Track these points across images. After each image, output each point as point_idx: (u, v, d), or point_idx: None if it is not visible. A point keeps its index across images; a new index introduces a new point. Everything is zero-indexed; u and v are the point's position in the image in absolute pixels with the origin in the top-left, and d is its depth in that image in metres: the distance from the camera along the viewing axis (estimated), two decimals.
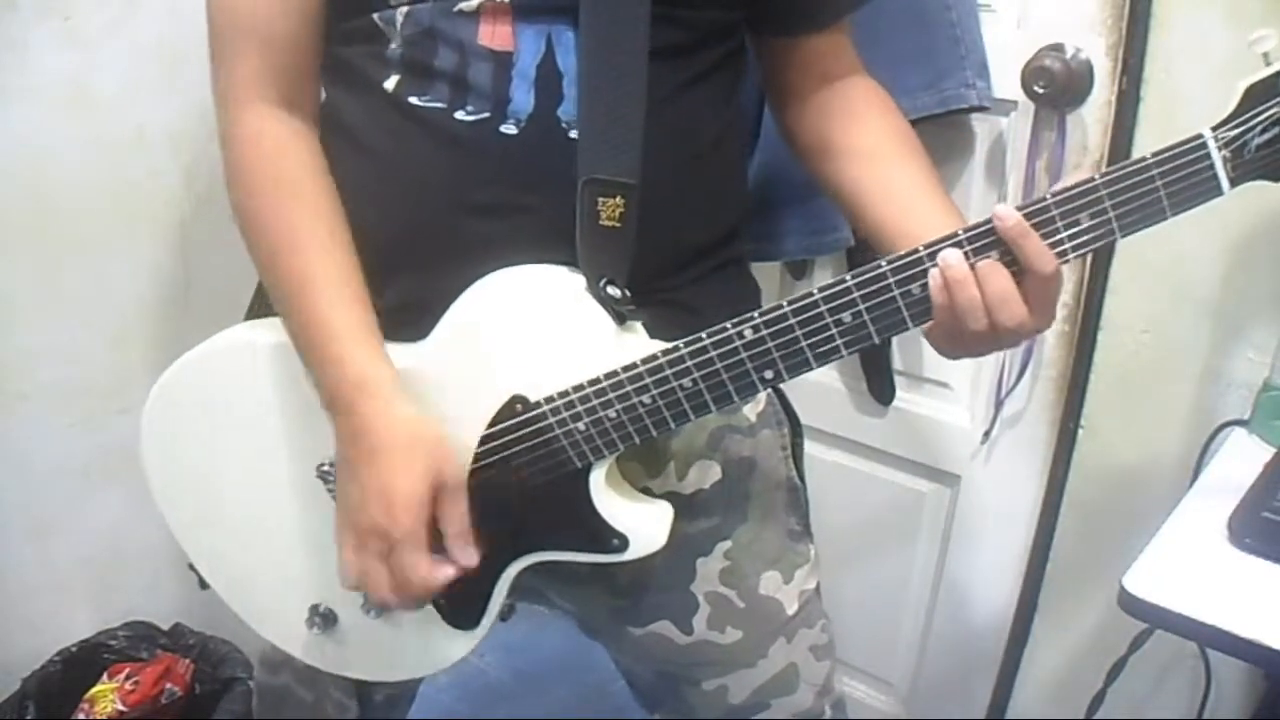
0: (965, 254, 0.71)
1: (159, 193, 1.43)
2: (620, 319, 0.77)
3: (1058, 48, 1.22)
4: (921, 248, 0.71)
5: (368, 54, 0.80)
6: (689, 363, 0.75)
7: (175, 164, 1.43)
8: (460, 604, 0.87)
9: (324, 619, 0.91)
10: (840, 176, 0.88)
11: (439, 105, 0.78)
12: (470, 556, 0.78)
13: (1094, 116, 1.23)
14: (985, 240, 0.71)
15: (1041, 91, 1.21)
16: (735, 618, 0.93)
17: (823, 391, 1.57)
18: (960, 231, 0.71)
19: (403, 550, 0.76)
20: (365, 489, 0.77)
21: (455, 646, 0.89)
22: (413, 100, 0.78)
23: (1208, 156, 0.66)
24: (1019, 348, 1.36)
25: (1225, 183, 0.67)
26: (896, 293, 0.72)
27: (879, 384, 1.52)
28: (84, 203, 1.37)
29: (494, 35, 0.77)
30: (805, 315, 0.73)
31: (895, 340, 1.49)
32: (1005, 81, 1.25)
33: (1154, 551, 0.92)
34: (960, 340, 0.74)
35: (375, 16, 0.78)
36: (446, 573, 0.78)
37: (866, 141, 0.87)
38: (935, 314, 0.72)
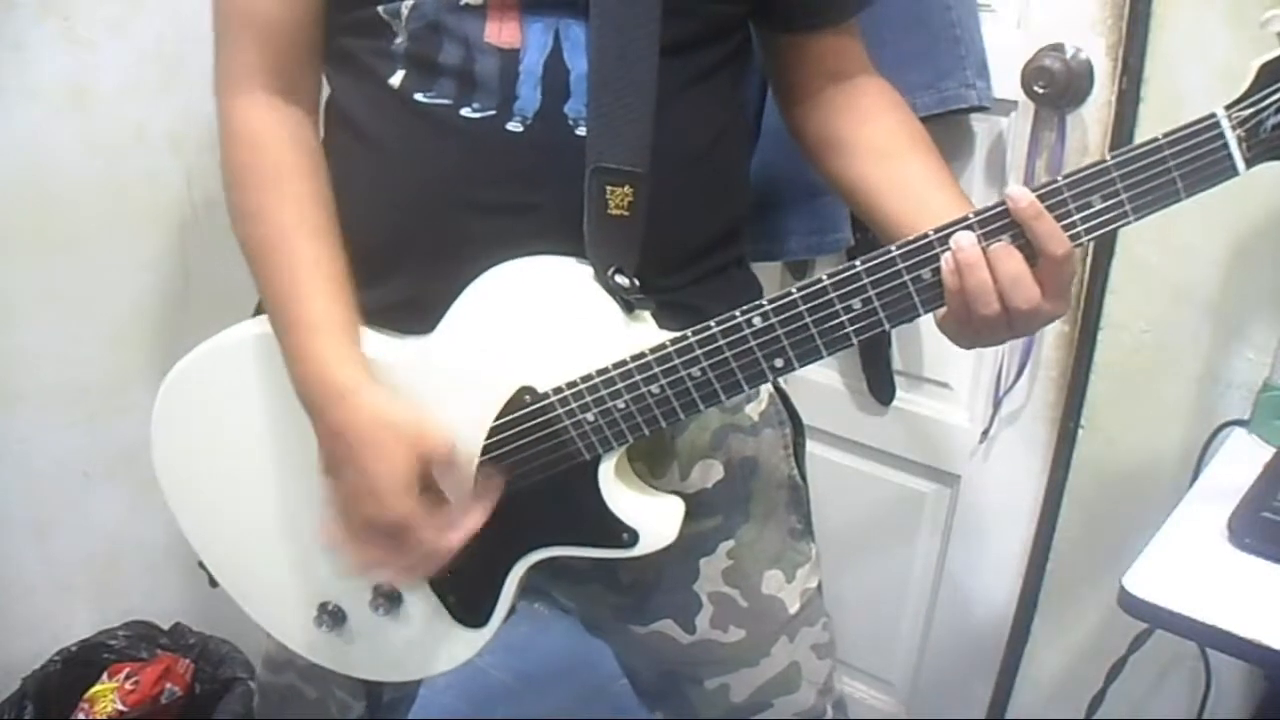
0: (977, 237, 0.70)
1: (159, 193, 1.43)
2: (629, 308, 0.77)
3: (1058, 48, 1.22)
4: (931, 232, 0.71)
5: (373, 48, 0.80)
6: (698, 351, 0.75)
7: (175, 164, 1.43)
8: (470, 601, 0.87)
9: (332, 617, 0.91)
10: (852, 173, 0.88)
11: (445, 102, 0.78)
12: (477, 518, 0.78)
13: (1094, 116, 1.23)
14: (997, 223, 0.70)
15: (1041, 91, 1.21)
16: (738, 617, 0.93)
17: (823, 391, 1.58)
18: (971, 215, 0.70)
19: (405, 533, 0.77)
20: (351, 486, 0.78)
21: (465, 645, 0.89)
22: (418, 97, 0.78)
23: (1221, 136, 0.65)
24: (1019, 347, 1.36)
25: (1240, 163, 0.66)
26: (907, 278, 0.72)
27: (879, 384, 1.52)
28: (84, 203, 1.37)
29: (500, 31, 0.76)
30: (815, 302, 0.73)
31: (895, 340, 1.49)
32: (1005, 81, 1.26)
33: (1154, 551, 0.92)
34: (972, 326, 0.73)
35: (380, 9, 0.78)
36: (456, 538, 0.78)
37: (878, 138, 0.87)
38: (947, 298, 0.72)
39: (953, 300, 0.72)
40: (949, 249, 0.71)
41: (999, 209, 0.70)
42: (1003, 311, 0.71)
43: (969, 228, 0.70)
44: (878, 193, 0.85)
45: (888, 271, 0.72)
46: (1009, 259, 0.70)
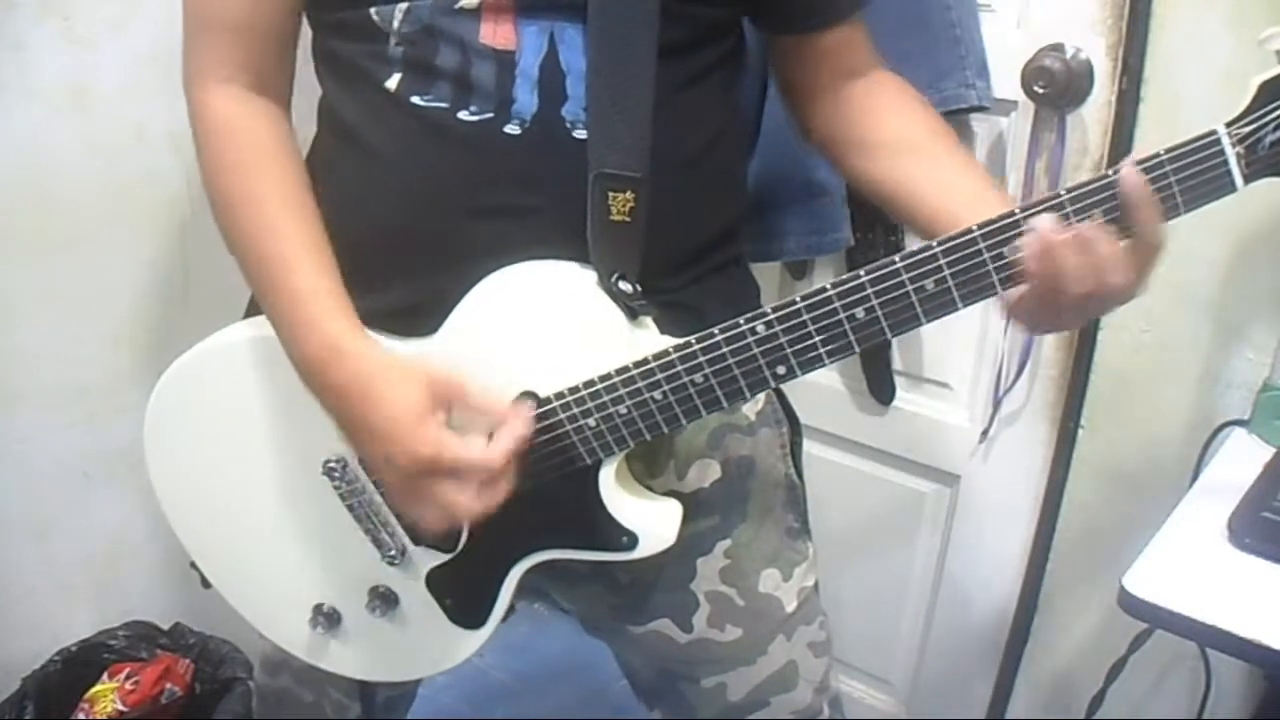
0: (1056, 220, 0.68)
1: (159, 193, 1.43)
2: (632, 314, 0.77)
3: (1058, 48, 1.22)
4: (975, 227, 0.69)
5: (368, 52, 0.79)
6: (701, 358, 0.75)
7: (175, 164, 1.43)
8: (467, 603, 0.87)
9: (328, 618, 0.91)
10: (879, 171, 0.86)
11: (442, 105, 0.78)
12: (520, 415, 0.76)
13: (1094, 116, 1.23)
14: (1090, 201, 0.68)
15: (1041, 91, 1.21)
16: (735, 616, 0.93)
17: (823, 391, 1.58)
18: (1063, 192, 0.69)
19: (444, 465, 0.74)
20: (376, 441, 0.76)
21: (461, 646, 0.89)
22: (415, 100, 0.78)
23: (1221, 153, 0.66)
24: (1018, 347, 1.36)
25: (1239, 179, 0.67)
26: (910, 288, 0.71)
27: (879, 384, 1.52)
28: (84, 203, 1.37)
29: (495, 33, 0.76)
30: (819, 310, 0.73)
31: (895, 340, 1.49)
32: (1005, 81, 1.26)
33: (1154, 551, 0.92)
34: (1056, 308, 0.71)
35: (372, 11, 0.78)
36: (501, 450, 0.74)
37: (905, 133, 0.86)
38: (1031, 283, 0.70)
39: (1043, 283, 0.69)
40: (1010, 238, 0.69)
41: (1082, 191, 0.68)
42: (1093, 290, 0.69)
43: (1056, 208, 0.68)
44: (911, 190, 0.84)
45: (892, 281, 0.72)
46: (1103, 238, 0.68)
